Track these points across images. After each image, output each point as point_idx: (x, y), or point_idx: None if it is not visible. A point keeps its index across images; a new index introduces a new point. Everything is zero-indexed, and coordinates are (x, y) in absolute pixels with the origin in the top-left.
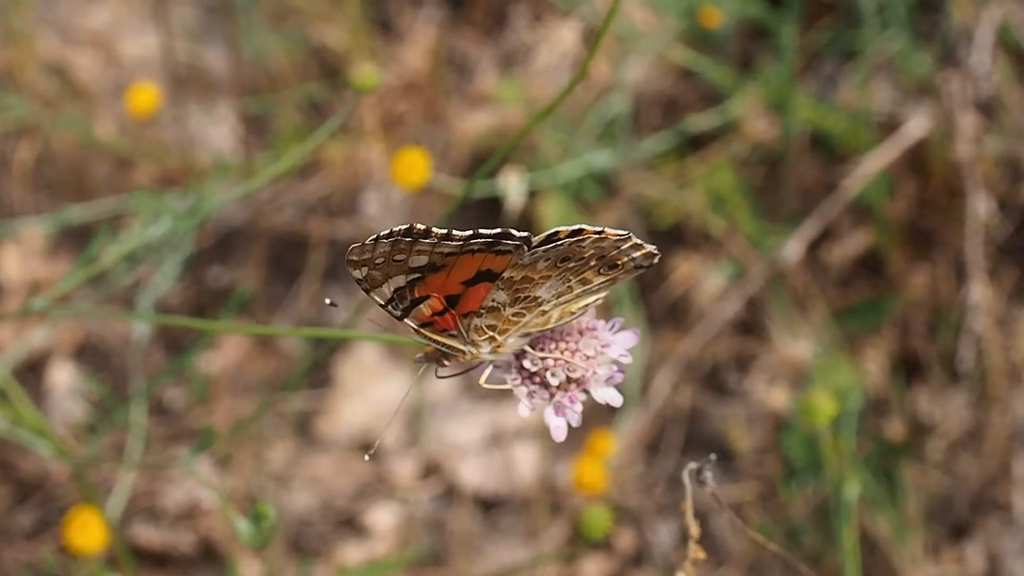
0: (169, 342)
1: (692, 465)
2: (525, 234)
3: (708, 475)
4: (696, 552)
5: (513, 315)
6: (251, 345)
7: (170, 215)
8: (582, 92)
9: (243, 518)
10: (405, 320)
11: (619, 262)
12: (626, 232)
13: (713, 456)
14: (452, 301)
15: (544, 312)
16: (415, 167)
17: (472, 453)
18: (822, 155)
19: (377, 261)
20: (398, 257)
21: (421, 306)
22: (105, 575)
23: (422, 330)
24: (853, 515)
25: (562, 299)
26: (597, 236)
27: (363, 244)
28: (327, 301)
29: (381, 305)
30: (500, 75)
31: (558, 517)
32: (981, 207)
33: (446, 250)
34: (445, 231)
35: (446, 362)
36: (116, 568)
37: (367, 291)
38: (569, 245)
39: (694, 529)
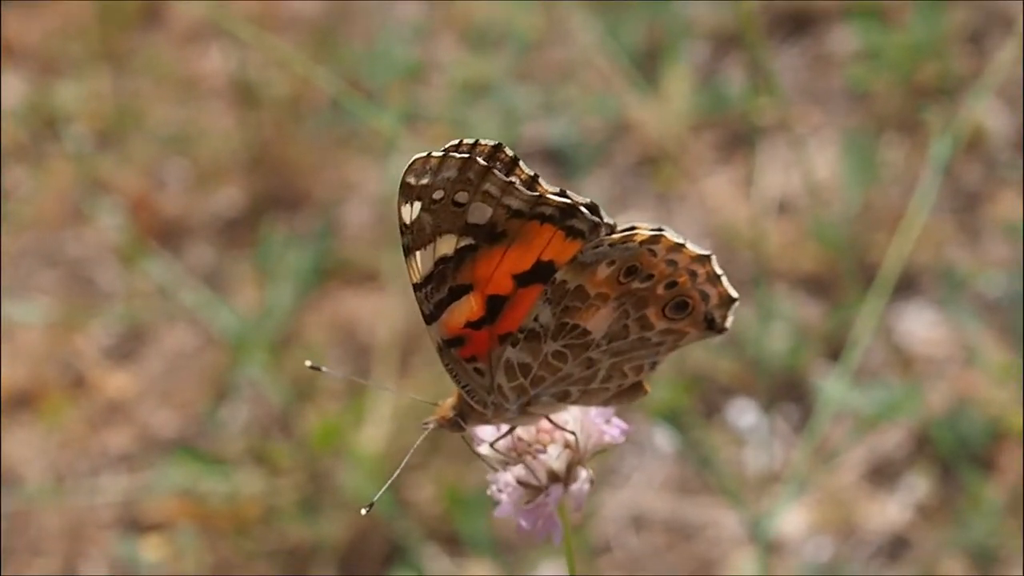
0: None
1: None
2: (607, 219)
3: None
4: None
5: (553, 355)
6: None
7: None
8: None
9: None
10: (431, 327)
11: (689, 299)
12: (707, 252)
13: None
14: (493, 309)
15: (591, 362)
16: None
17: None
18: None
19: (436, 195)
20: (459, 197)
21: (459, 303)
22: None
23: (450, 350)
24: None
25: (614, 346)
26: (675, 246)
27: (429, 155)
28: (308, 364)
29: (416, 285)
30: None
31: None
32: None
33: (514, 203)
34: (532, 172)
35: (464, 426)
36: None
37: (407, 251)
38: (641, 248)
39: None
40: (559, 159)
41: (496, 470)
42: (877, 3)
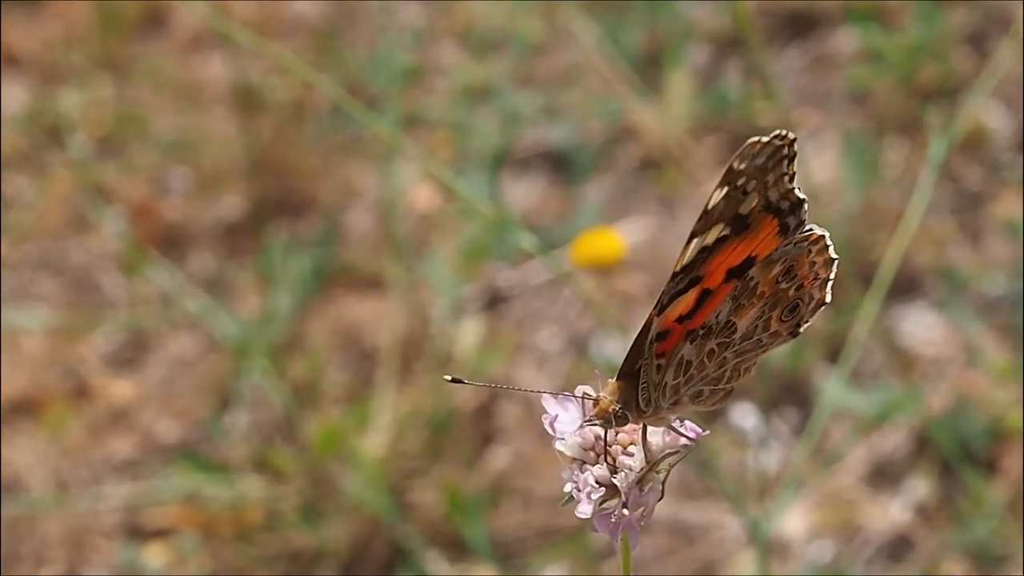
0: None
1: None
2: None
3: None
4: None
5: (707, 353)
6: None
7: None
8: None
9: None
10: (656, 319)
11: (801, 302)
12: (837, 256)
13: None
14: (699, 303)
15: (724, 362)
16: None
17: None
18: None
19: (739, 181)
20: (750, 185)
21: (684, 296)
22: None
23: (653, 345)
24: None
25: (743, 346)
26: (824, 247)
27: (759, 140)
28: (447, 378)
29: (673, 274)
30: None
31: None
32: None
33: (772, 195)
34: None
35: (630, 419)
36: None
37: (690, 237)
38: (804, 247)
39: None
40: (561, 163)
41: (571, 468)
42: (877, 4)
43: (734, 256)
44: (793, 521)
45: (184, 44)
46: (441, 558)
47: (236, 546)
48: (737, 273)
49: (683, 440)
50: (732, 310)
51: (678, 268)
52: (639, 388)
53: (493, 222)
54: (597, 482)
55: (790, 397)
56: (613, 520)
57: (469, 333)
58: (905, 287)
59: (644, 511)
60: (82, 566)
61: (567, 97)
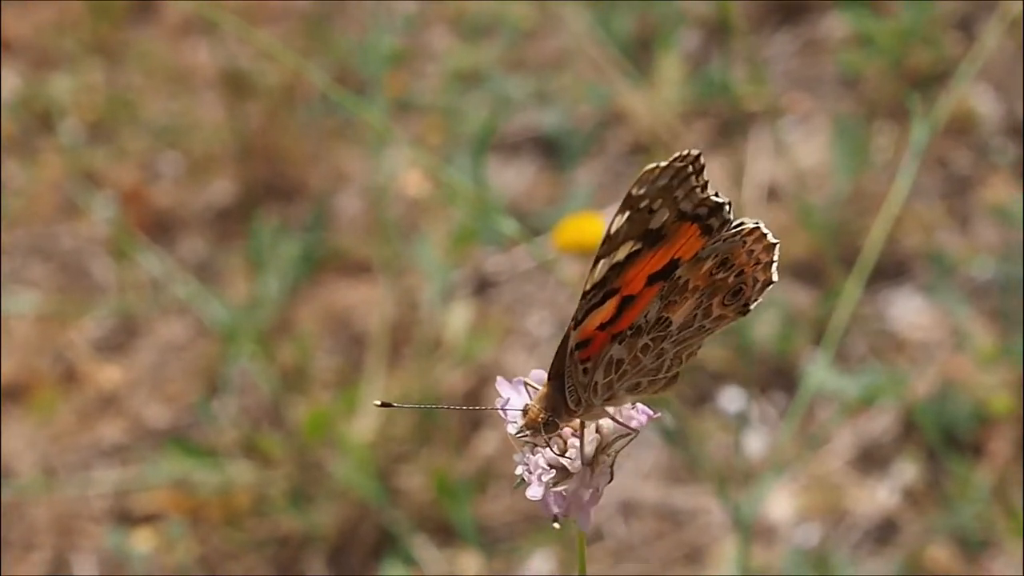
0: None
1: None
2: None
3: None
4: None
5: (642, 348)
6: None
7: None
8: None
9: None
10: (573, 332)
11: (744, 286)
12: (777, 240)
13: None
14: (621, 309)
15: (662, 353)
16: None
17: None
18: None
19: (641, 204)
20: (656, 204)
21: (604, 307)
22: None
23: (575, 353)
24: None
25: (681, 335)
26: (761, 235)
27: (657, 166)
28: (376, 403)
29: (584, 293)
30: None
31: None
32: None
33: (686, 206)
34: (706, 177)
35: (559, 424)
36: None
37: (596, 260)
38: (739, 239)
39: None
40: (551, 147)
41: (524, 452)
42: None
43: (653, 263)
44: (780, 505)
45: (175, 29)
46: (429, 543)
47: (224, 531)
48: (661, 276)
49: (634, 423)
50: (663, 307)
51: (588, 287)
52: (566, 390)
53: (476, 207)
54: (548, 464)
55: (779, 381)
56: (563, 502)
57: (458, 318)
58: (894, 271)
59: (594, 493)
60: (70, 551)
61: (558, 82)
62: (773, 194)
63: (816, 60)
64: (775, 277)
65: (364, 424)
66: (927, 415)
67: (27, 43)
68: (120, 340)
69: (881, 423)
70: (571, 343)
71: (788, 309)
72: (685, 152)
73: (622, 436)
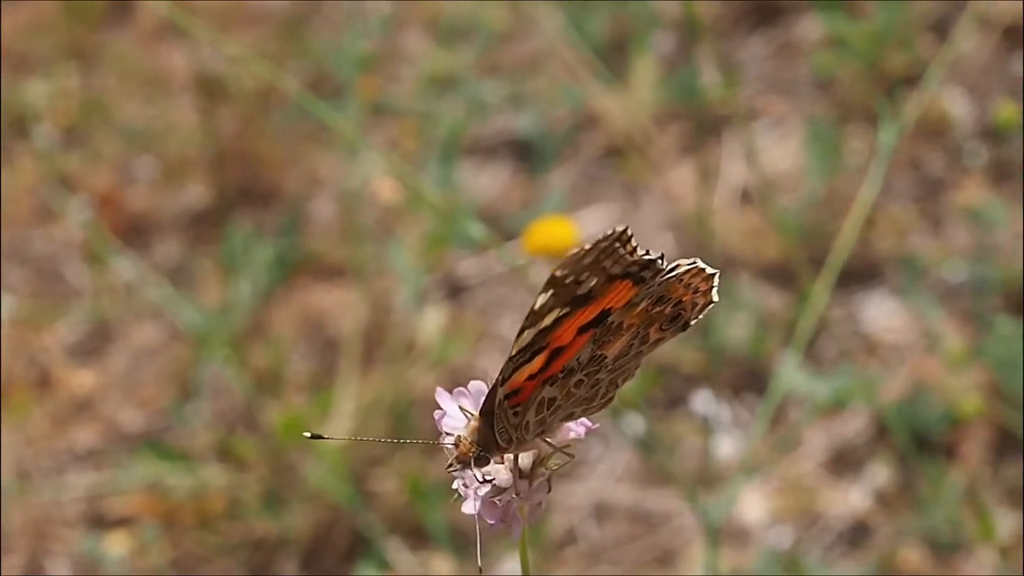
0: None
1: None
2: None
3: None
4: None
5: (575, 384)
6: None
7: None
8: None
9: None
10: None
11: (683, 312)
12: (716, 271)
13: None
14: (550, 359)
15: (597, 383)
16: None
17: None
18: None
19: (567, 280)
20: (583, 276)
21: (531, 362)
22: None
23: (505, 402)
24: None
25: (617, 364)
26: (699, 271)
27: (580, 250)
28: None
29: (511, 357)
30: None
31: None
32: None
33: (615, 269)
34: (635, 242)
35: (490, 459)
36: None
37: (521, 331)
38: (678, 279)
39: None
40: (526, 151)
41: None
42: None
43: (583, 318)
44: (753, 507)
45: (150, 33)
46: (402, 545)
47: (198, 534)
48: (593, 325)
49: (572, 434)
50: (596, 347)
51: (515, 352)
52: (495, 431)
53: (445, 212)
54: (484, 479)
55: (752, 384)
56: (500, 515)
57: (432, 321)
58: (867, 274)
59: (534, 506)
60: (44, 555)
61: (532, 85)
62: (746, 197)
63: (791, 63)
64: (715, 298)
65: (338, 428)
66: (899, 417)
67: (2, 46)
68: (94, 344)
69: (853, 425)
70: (500, 394)
71: (761, 312)
72: (610, 231)
73: (563, 447)
